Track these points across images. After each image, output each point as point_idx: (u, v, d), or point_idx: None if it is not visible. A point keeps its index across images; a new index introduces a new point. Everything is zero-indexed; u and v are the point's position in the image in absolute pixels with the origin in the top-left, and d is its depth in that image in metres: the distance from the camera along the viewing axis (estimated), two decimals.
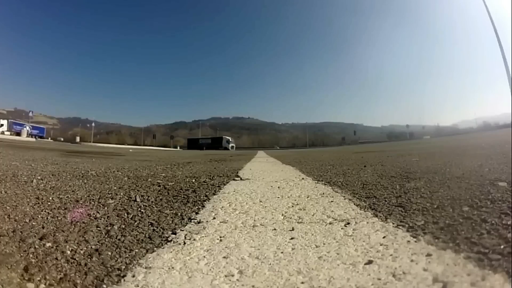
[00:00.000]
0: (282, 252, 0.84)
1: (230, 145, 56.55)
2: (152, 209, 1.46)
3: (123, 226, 1.17)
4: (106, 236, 1.05)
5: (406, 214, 1.17)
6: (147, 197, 1.74)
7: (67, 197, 1.68)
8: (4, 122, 39.17)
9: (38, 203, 1.49)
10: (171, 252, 0.88)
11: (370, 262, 0.73)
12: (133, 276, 0.73)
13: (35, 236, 1.01)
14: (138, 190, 1.97)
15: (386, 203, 1.39)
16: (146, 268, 0.77)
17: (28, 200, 1.55)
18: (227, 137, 60.41)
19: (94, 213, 1.34)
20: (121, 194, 1.82)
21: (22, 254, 0.86)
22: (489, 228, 0.90)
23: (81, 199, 1.64)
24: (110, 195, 1.79)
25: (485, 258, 0.70)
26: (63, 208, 1.42)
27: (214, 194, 1.85)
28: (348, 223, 1.09)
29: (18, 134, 36.48)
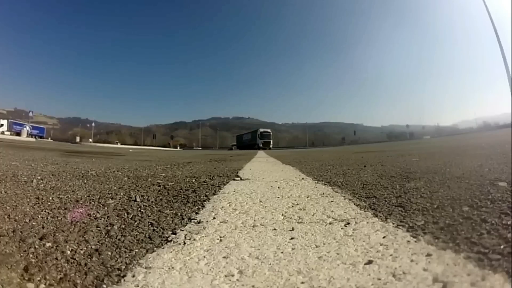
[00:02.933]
0: (282, 252, 0.84)
1: (262, 141, 39.51)
2: (152, 209, 1.46)
3: (123, 226, 1.17)
4: (106, 236, 1.05)
5: (406, 214, 1.17)
6: (147, 197, 1.74)
7: (67, 197, 1.68)
8: (4, 122, 39.20)
9: (38, 203, 1.49)
10: (171, 252, 0.87)
11: (370, 262, 0.73)
12: (133, 276, 0.73)
13: (35, 236, 1.01)
14: (138, 190, 1.97)
15: (386, 203, 1.39)
16: (146, 268, 0.77)
17: (28, 200, 1.55)
18: (262, 130, 42.99)
19: (94, 213, 1.34)
20: (121, 194, 1.82)
21: (22, 254, 0.86)
22: (489, 228, 0.90)
23: (81, 199, 1.64)
24: (110, 195, 1.79)
25: (485, 258, 0.70)
26: (63, 208, 1.42)
27: (214, 194, 1.85)
28: (348, 223, 1.09)
29: (18, 134, 36.48)
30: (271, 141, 42.53)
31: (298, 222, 1.15)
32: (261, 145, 38.79)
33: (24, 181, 2.14)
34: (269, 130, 44.59)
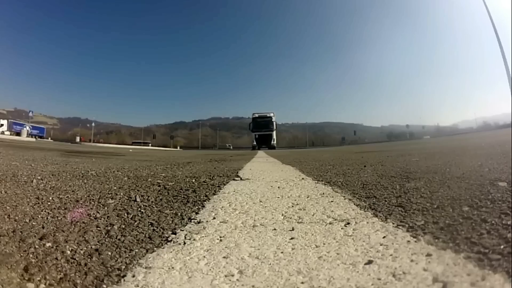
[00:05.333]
0: (282, 252, 0.84)
1: (257, 133, 24.49)
2: (152, 209, 1.46)
3: (123, 226, 1.17)
4: (106, 236, 1.05)
5: (406, 214, 1.17)
6: (147, 197, 1.74)
7: (67, 197, 1.68)
8: (4, 122, 39.24)
9: (38, 203, 1.49)
10: (171, 252, 0.88)
11: (370, 262, 0.73)
12: (133, 276, 0.73)
13: (35, 236, 1.01)
14: (138, 190, 1.96)
15: (386, 203, 1.39)
16: (146, 268, 0.77)
17: (28, 200, 1.55)
18: (257, 114, 26.92)
19: (94, 213, 1.34)
20: (121, 194, 1.82)
21: (22, 254, 0.86)
22: (489, 228, 0.90)
23: (81, 199, 1.64)
24: (110, 195, 1.79)
25: (485, 258, 0.70)
26: (63, 208, 1.42)
27: (214, 194, 1.85)
28: (348, 223, 1.09)
29: (18, 134, 36.49)
30: (273, 133, 24.59)
31: (298, 222, 1.15)
32: (255, 142, 23.66)
33: (24, 181, 2.13)
34: (269, 115, 26.29)
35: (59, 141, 36.12)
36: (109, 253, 0.89)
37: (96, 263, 0.82)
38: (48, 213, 1.32)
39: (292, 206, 1.43)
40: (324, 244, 0.89)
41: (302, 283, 0.65)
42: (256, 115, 26.66)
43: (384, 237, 0.91)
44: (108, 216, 1.30)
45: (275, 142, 24.48)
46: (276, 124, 25.84)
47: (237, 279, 0.69)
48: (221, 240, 0.96)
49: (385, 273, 0.67)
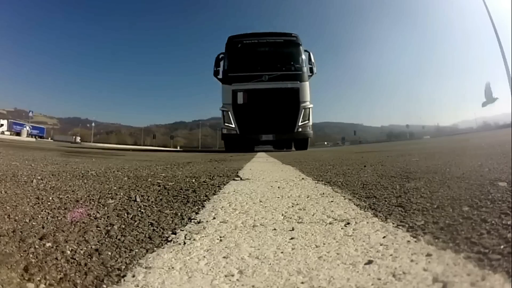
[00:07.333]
0: (282, 252, 0.84)
1: (244, 89, 9.74)
2: (152, 209, 1.46)
3: (123, 226, 1.17)
4: (106, 236, 1.05)
5: (406, 214, 1.17)
6: (147, 197, 1.74)
7: (67, 197, 1.68)
8: (4, 122, 39.30)
9: (38, 203, 1.49)
10: (171, 252, 0.88)
11: (370, 262, 0.73)
12: (133, 276, 0.73)
13: (35, 236, 1.01)
14: (138, 190, 1.96)
15: (386, 203, 1.39)
16: (146, 268, 0.77)
17: (28, 200, 1.55)
18: (251, 32, 10.78)
19: (94, 213, 1.34)
20: (121, 194, 1.82)
21: (22, 254, 0.86)
22: (489, 228, 0.90)
23: (81, 199, 1.64)
24: (110, 195, 1.79)
25: (485, 258, 0.70)
26: (63, 208, 1.42)
27: (214, 194, 1.85)
28: (348, 223, 1.09)
29: (18, 134, 36.54)
30: (305, 87, 8.81)
31: (298, 222, 1.15)
32: (233, 123, 9.77)
33: (24, 181, 2.13)
34: (289, 33, 10.30)
35: (58, 141, 36.10)
36: (109, 253, 0.89)
37: (96, 263, 0.82)
38: (48, 213, 1.32)
39: (292, 206, 1.43)
40: (324, 244, 0.89)
41: (302, 283, 0.65)
42: (246, 36, 11.22)
43: (384, 237, 0.91)
44: (108, 216, 1.31)
45: (310, 122, 9.76)
46: (313, 59, 10.42)
47: (237, 279, 0.69)
48: (221, 240, 0.96)
49: (385, 273, 0.67)
